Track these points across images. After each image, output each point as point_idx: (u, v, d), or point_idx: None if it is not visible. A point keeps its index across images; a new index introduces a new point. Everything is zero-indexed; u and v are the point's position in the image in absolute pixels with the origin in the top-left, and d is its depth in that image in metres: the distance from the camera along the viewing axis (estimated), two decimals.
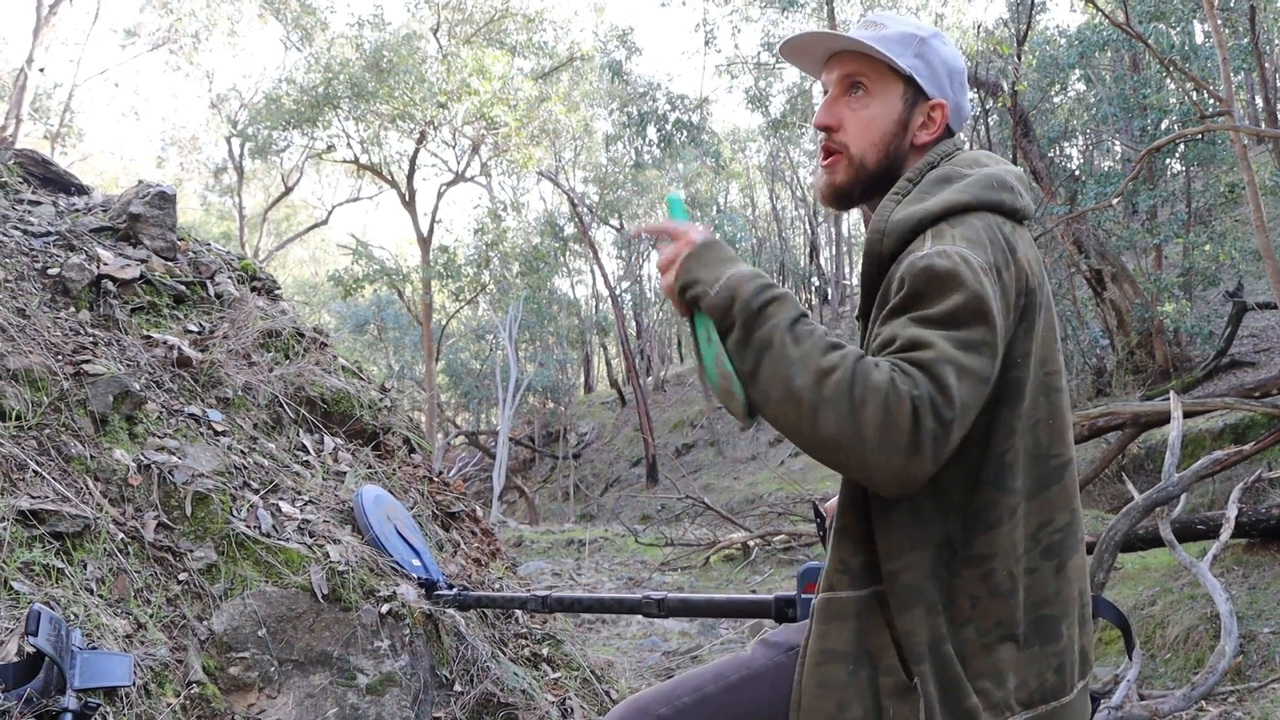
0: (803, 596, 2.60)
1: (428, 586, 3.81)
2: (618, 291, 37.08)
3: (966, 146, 2.15)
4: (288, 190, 37.68)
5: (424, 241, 31.46)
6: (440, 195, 33.14)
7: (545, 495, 35.92)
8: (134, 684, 2.74)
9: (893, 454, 1.61)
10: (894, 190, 1.99)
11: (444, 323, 36.47)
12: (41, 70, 26.86)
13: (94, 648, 2.72)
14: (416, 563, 3.92)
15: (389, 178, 31.94)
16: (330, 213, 40.34)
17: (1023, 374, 1.85)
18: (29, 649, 2.53)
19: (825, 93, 2.12)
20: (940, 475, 1.77)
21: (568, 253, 37.67)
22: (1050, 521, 1.91)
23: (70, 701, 2.49)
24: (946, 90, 2.08)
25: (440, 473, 5.14)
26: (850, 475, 1.70)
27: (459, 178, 32.93)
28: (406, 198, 31.48)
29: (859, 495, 1.92)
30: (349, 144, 30.98)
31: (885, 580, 1.89)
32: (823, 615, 1.94)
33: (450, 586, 3.87)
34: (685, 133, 31.40)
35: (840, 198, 2.12)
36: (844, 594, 1.93)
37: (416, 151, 30.93)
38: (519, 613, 4.48)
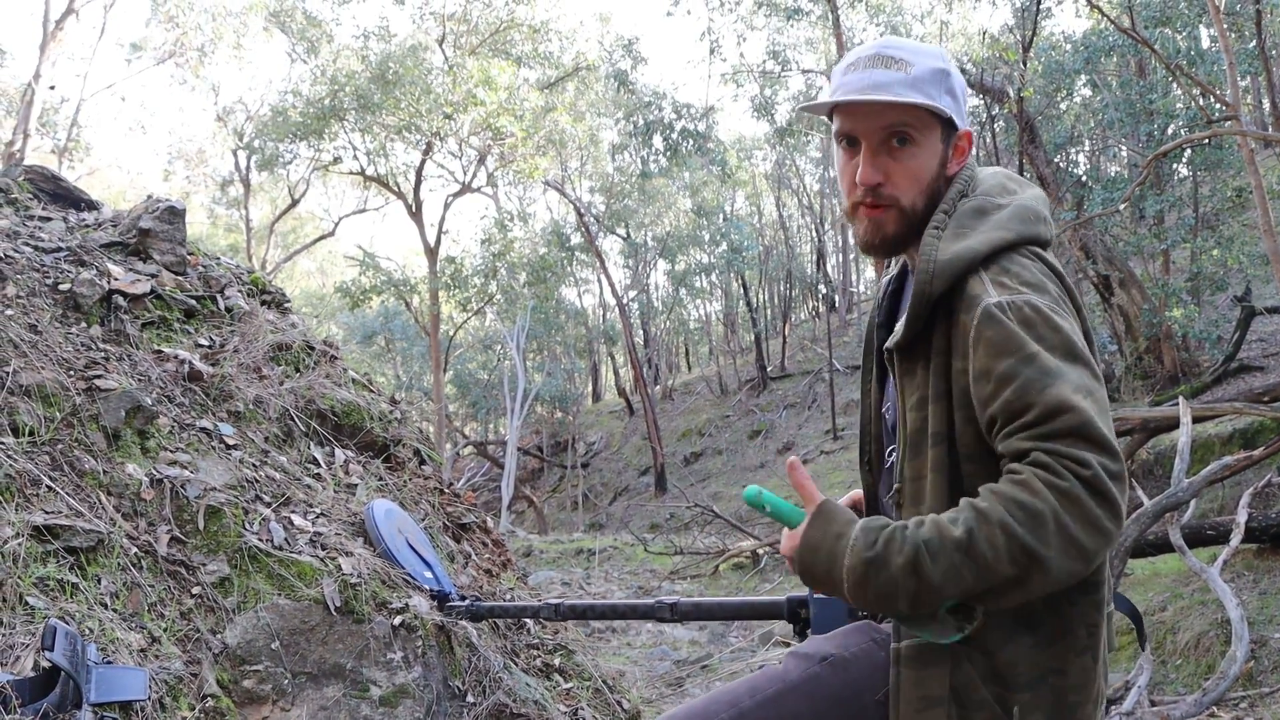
0: (815, 597, 2.60)
1: (440, 599, 3.82)
2: (625, 300, 37.06)
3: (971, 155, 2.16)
4: (294, 202, 37.70)
5: (431, 252, 31.47)
6: (447, 206, 33.17)
7: (554, 505, 35.88)
8: (149, 698, 2.75)
9: (1100, 538, 1.70)
10: (932, 225, 2.00)
11: (451, 333, 36.48)
12: (52, 88, 26.98)
13: (109, 662, 2.73)
14: (429, 575, 3.94)
15: (395, 189, 32.00)
16: (337, 224, 40.40)
17: None
18: (44, 663, 2.54)
19: (845, 139, 2.08)
20: None
21: (575, 262, 37.67)
22: None
23: (86, 716, 2.51)
24: (963, 115, 2.09)
25: (450, 484, 5.15)
26: (1081, 574, 1.75)
27: (465, 188, 32.96)
28: (413, 209, 31.52)
29: None
30: (355, 155, 31.06)
31: (997, 616, 1.92)
32: (918, 660, 1.95)
33: (463, 598, 3.88)
34: (691, 141, 31.38)
35: (894, 247, 2.12)
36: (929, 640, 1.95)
37: (423, 162, 30.98)
38: (530, 623, 4.49)
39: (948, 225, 1.97)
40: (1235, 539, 8.25)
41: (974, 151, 2.14)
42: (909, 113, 2.01)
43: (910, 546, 1.75)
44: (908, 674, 1.95)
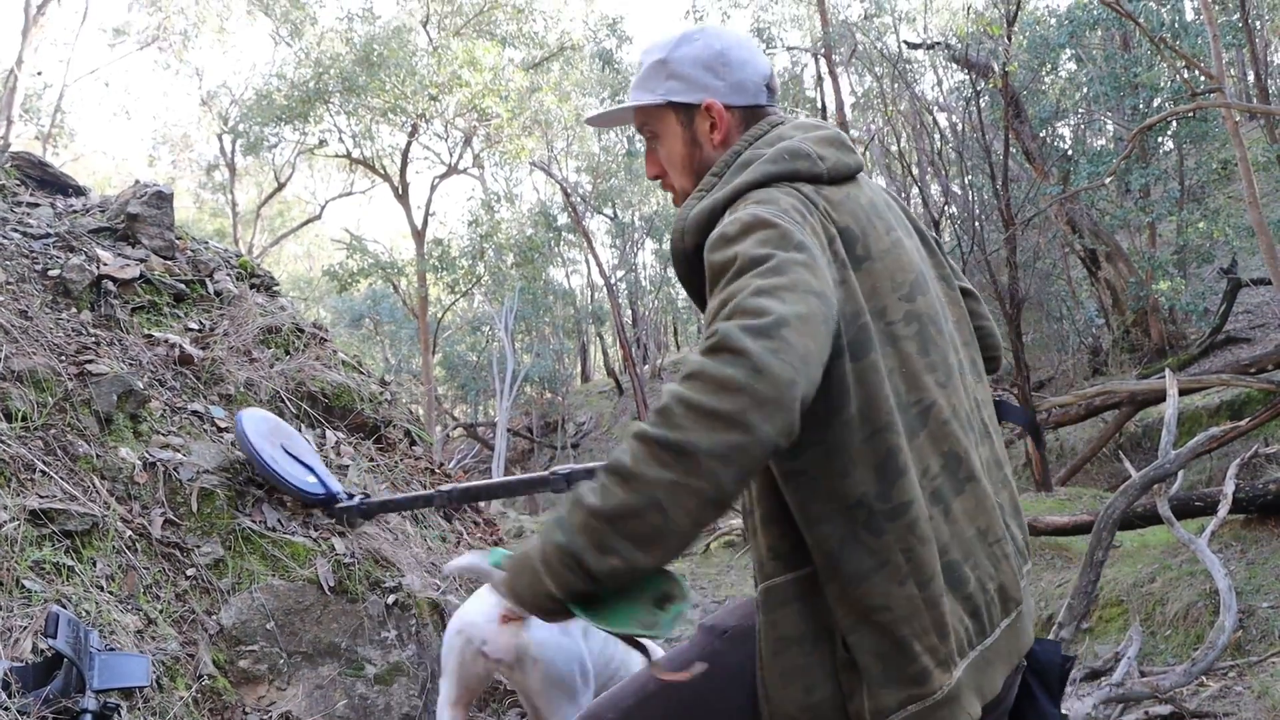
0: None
1: (327, 502, 3.74)
2: (613, 280, 37.01)
3: (800, 116, 2.17)
4: (280, 186, 37.59)
5: (418, 235, 31.42)
6: (433, 188, 33.10)
7: None
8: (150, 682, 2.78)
9: (738, 397, 1.55)
10: (698, 188, 2.01)
11: (440, 315, 36.45)
12: (39, 74, 26.86)
13: (112, 649, 2.75)
14: (311, 479, 3.81)
15: (382, 171, 31.91)
16: (324, 208, 40.33)
17: (865, 323, 1.86)
18: (44, 647, 2.56)
19: None
20: (826, 433, 1.80)
21: (562, 243, 37.61)
22: (928, 468, 1.89)
23: (90, 702, 2.52)
24: (710, 84, 2.10)
25: (442, 465, 5.17)
26: (751, 447, 1.57)
27: (452, 170, 32.88)
28: (400, 191, 31.45)
29: (772, 479, 1.91)
30: (341, 138, 30.95)
31: (812, 554, 1.87)
32: (767, 604, 1.93)
33: (351, 496, 3.79)
34: None
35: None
36: (781, 579, 1.92)
37: (409, 145, 30.90)
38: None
39: (714, 185, 1.98)
40: (1223, 510, 8.29)
41: (800, 114, 2.16)
42: (640, 114, 2.15)
43: (574, 496, 1.70)
44: (763, 618, 1.94)
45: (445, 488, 3.65)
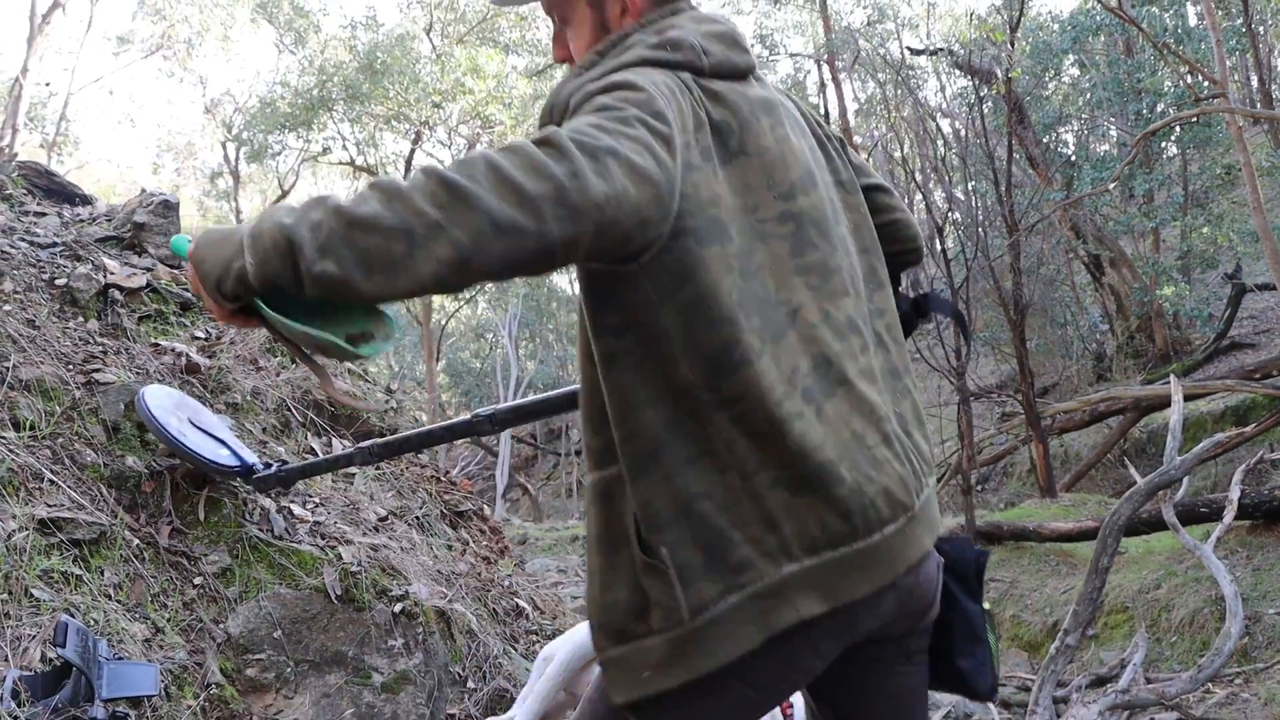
0: None
1: (244, 473, 3.55)
2: None
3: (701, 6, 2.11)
4: (284, 193, 37.58)
5: None
6: None
7: (549, 492, 35.91)
8: (158, 691, 2.78)
9: (543, 182, 1.51)
10: (579, 64, 1.98)
11: (444, 322, 36.50)
12: (48, 85, 26.93)
13: (120, 658, 2.76)
14: (224, 453, 3.59)
15: None
16: None
17: (721, 214, 1.81)
18: (53, 656, 2.56)
19: None
20: (657, 316, 1.76)
21: None
22: (797, 368, 1.83)
23: (98, 711, 2.53)
24: None
25: (447, 472, 5.17)
26: (529, 236, 1.52)
27: None
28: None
29: (594, 376, 1.88)
30: (345, 146, 31.04)
31: (620, 452, 1.83)
32: (585, 501, 1.93)
33: (268, 465, 3.61)
34: None
35: None
36: (592, 477, 1.91)
37: (412, 152, 30.96)
38: (529, 610, 4.51)
39: (594, 64, 1.94)
40: (1228, 516, 8.30)
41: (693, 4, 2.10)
42: None
43: (321, 195, 1.60)
44: (588, 511, 1.94)
45: (365, 444, 3.53)
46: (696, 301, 1.76)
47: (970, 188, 20.37)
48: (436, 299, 33.52)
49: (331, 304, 1.59)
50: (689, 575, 1.79)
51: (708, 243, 1.78)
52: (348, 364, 5.07)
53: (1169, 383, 9.41)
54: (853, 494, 1.81)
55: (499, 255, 1.51)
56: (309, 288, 1.51)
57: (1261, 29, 18.91)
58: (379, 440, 3.52)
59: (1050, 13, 23.14)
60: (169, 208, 4.71)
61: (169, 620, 3.08)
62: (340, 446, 4.47)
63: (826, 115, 29.23)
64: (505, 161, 1.53)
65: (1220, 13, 16.95)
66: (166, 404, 3.61)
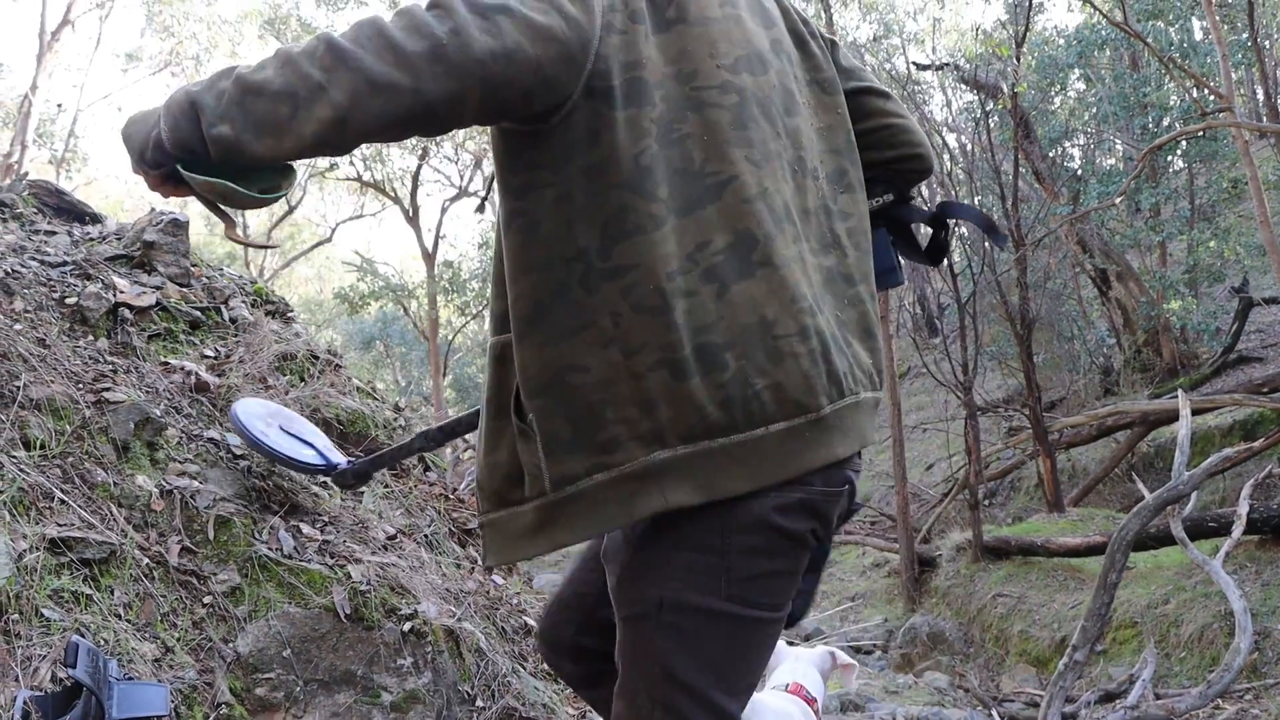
0: None
1: (327, 471, 3.76)
2: None
3: None
4: (291, 209, 37.71)
5: (429, 257, 31.54)
6: (444, 210, 33.31)
7: None
8: (169, 711, 2.79)
9: (425, 43, 1.58)
10: None
11: (450, 337, 36.51)
12: (59, 106, 27.03)
13: (130, 678, 2.76)
14: (309, 453, 3.79)
15: (392, 194, 32.06)
16: (334, 230, 40.46)
17: (647, 76, 1.81)
18: (63, 676, 2.57)
19: None
20: (558, 177, 1.77)
21: None
22: (708, 243, 1.81)
23: None
24: None
25: (455, 490, 5.18)
26: (405, 95, 1.59)
27: (462, 193, 33.03)
28: (410, 214, 31.60)
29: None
30: (351, 161, 31.09)
31: (510, 314, 1.85)
32: (489, 359, 1.95)
33: (350, 463, 3.81)
34: None
35: None
36: (490, 340, 1.93)
37: (419, 168, 31.07)
38: (535, 625, 4.51)
39: None
40: (1237, 531, 8.29)
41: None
42: None
43: (232, 65, 1.68)
44: (485, 374, 1.95)
45: (425, 429, 3.71)
46: (600, 164, 1.78)
47: (976, 202, 20.38)
48: (443, 315, 33.57)
49: (246, 165, 1.69)
50: (554, 446, 1.80)
51: (623, 105, 1.78)
52: (356, 382, 5.08)
53: (1176, 397, 9.41)
54: (735, 383, 1.79)
55: (376, 113, 1.58)
56: (211, 149, 1.61)
57: (1267, 43, 18.92)
58: (435, 426, 3.61)
59: (1056, 27, 23.15)
60: (178, 226, 4.73)
61: (179, 639, 3.08)
62: (347, 461, 4.48)
63: None
64: (390, 24, 1.59)
65: (1226, 27, 17.00)
66: (259, 412, 3.80)
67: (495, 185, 1.91)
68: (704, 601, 1.86)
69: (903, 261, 2.45)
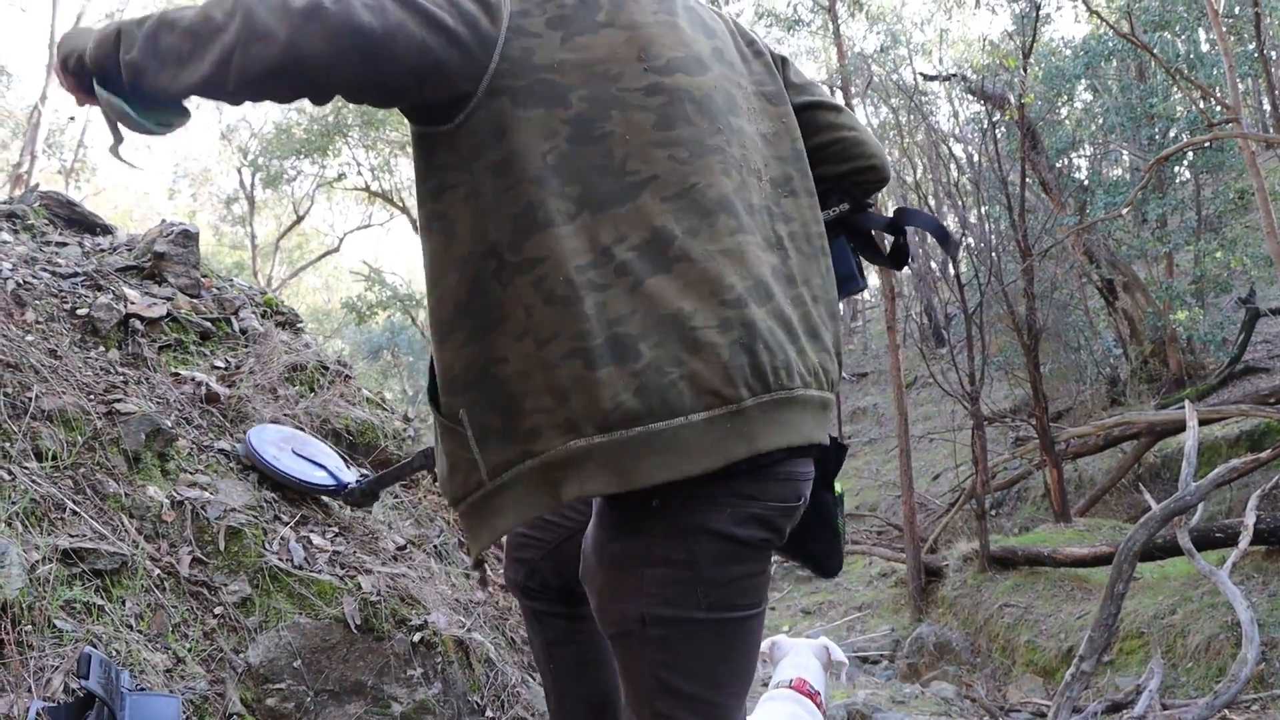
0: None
1: (336, 492, 3.93)
2: None
3: None
4: (299, 219, 37.82)
5: None
6: None
7: None
8: None
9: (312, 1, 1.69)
10: None
11: None
12: (72, 119, 27.11)
13: (142, 689, 2.77)
14: (320, 474, 3.95)
15: (400, 204, 32.14)
16: (342, 240, 40.60)
17: (558, 80, 1.86)
18: (76, 687, 2.58)
19: None
20: (468, 175, 1.85)
21: None
22: (623, 239, 1.84)
23: None
24: None
25: None
26: (274, 50, 1.71)
27: None
28: (417, 224, 31.63)
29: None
30: (359, 171, 31.22)
31: (430, 317, 1.93)
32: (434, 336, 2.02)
33: (359, 483, 3.97)
34: None
35: None
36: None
37: None
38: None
39: None
40: (1244, 541, 8.28)
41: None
42: None
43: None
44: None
45: (424, 449, 3.88)
46: (507, 161, 1.84)
47: (984, 212, 20.36)
48: None
49: (156, 100, 1.85)
50: (487, 437, 1.86)
51: (530, 105, 1.84)
52: (365, 392, 5.10)
53: (1183, 408, 9.40)
54: (650, 371, 1.81)
55: (255, 59, 1.70)
56: (124, 73, 1.79)
57: (1274, 54, 18.95)
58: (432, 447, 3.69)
59: (1063, 38, 23.14)
60: (189, 237, 4.75)
61: (190, 650, 3.09)
62: (357, 473, 4.50)
63: None
64: None
65: (1232, 38, 16.99)
66: (272, 438, 3.96)
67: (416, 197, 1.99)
68: (685, 613, 1.91)
69: (875, 267, 2.50)
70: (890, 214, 2.49)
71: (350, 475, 4.01)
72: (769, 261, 1.99)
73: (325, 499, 4.03)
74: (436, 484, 5.00)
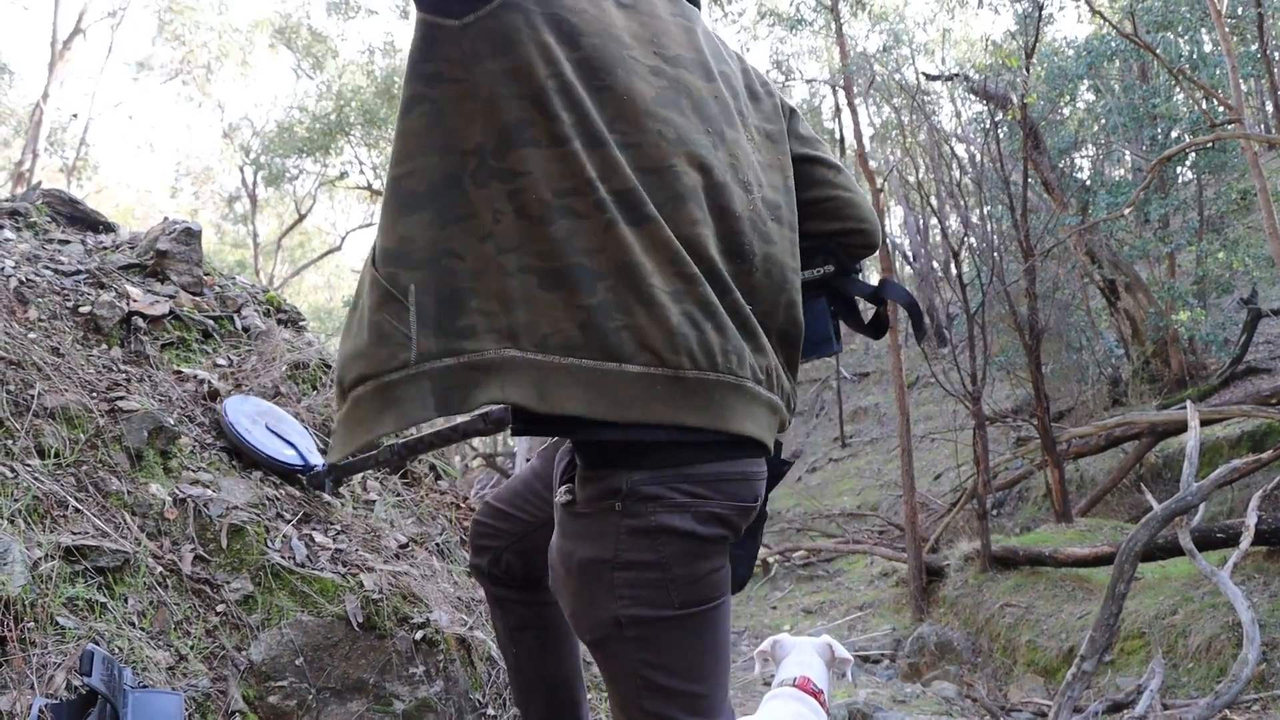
0: None
1: (302, 471, 3.93)
2: None
3: None
4: (301, 217, 37.82)
5: None
6: None
7: None
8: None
9: None
10: None
11: None
12: (74, 116, 27.12)
13: (144, 686, 2.78)
14: (290, 453, 3.95)
15: None
16: (344, 238, 40.57)
17: (577, 21, 1.88)
18: (79, 684, 2.59)
19: None
20: (468, 74, 1.83)
21: None
22: (606, 180, 1.84)
23: None
24: None
25: (465, 498, 5.19)
26: None
27: None
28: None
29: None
30: (361, 170, 31.21)
31: (389, 187, 1.90)
32: None
33: (324, 467, 3.98)
34: None
35: None
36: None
37: None
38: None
39: None
40: (1245, 541, 8.27)
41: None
42: None
43: None
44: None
45: (389, 444, 3.91)
46: (509, 73, 1.83)
47: (985, 212, 20.38)
48: None
49: None
50: (424, 319, 1.83)
51: (543, 31, 1.85)
52: None
53: (1185, 408, 9.39)
54: (599, 311, 1.81)
55: None
56: None
57: (1277, 54, 18.93)
58: (399, 440, 3.69)
59: (1065, 38, 23.14)
60: (191, 235, 4.75)
61: (192, 648, 3.10)
62: (324, 465, 4.50)
63: (842, 140, 29.28)
64: None
65: (1235, 39, 16.98)
66: (248, 410, 3.97)
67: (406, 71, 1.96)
68: (659, 612, 1.95)
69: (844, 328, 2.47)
70: (874, 282, 2.46)
71: (319, 459, 4.02)
72: (729, 269, 1.98)
73: (295, 479, 4.03)
74: (440, 480, 5.00)
